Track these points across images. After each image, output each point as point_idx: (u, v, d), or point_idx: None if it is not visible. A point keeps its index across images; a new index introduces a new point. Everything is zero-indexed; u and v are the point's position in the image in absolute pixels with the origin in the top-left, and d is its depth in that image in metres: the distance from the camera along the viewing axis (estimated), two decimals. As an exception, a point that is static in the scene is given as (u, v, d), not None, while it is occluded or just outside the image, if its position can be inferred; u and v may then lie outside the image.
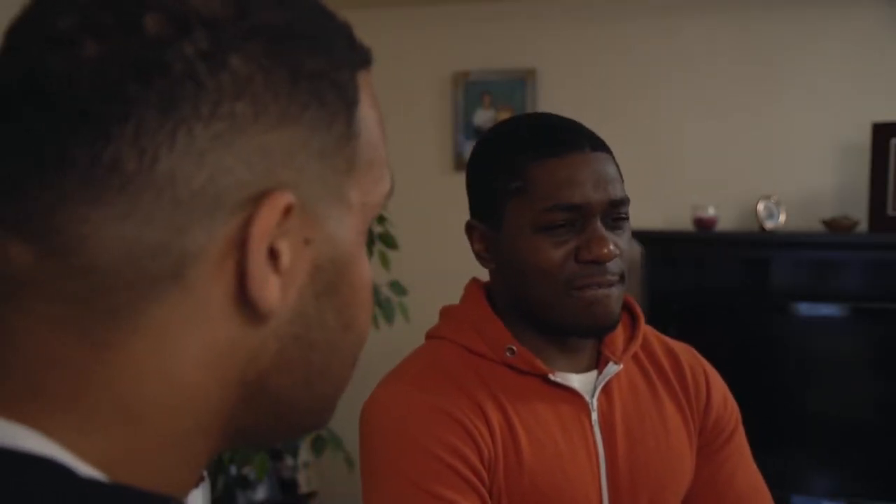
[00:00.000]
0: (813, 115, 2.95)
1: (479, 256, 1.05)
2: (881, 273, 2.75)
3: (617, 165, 1.00)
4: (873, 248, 2.74)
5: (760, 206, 2.84)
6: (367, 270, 0.46)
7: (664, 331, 1.18)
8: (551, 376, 1.00)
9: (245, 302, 0.39)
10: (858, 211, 2.84)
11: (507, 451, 0.97)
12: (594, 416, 1.02)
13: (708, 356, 1.15)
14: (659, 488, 1.03)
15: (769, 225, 2.83)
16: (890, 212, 2.70)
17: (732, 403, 1.13)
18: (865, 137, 2.80)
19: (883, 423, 2.66)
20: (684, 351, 1.13)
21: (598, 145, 0.99)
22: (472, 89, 3.25)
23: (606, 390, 1.04)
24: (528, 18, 3.19)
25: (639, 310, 1.10)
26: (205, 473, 0.45)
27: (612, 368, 1.04)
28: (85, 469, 0.36)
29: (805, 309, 2.74)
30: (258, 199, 0.39)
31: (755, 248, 2.87)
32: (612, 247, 0.96)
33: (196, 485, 0.43)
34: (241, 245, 0.39)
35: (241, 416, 0.42)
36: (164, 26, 0.37)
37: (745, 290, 2.88)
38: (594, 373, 1.05)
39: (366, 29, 0.46)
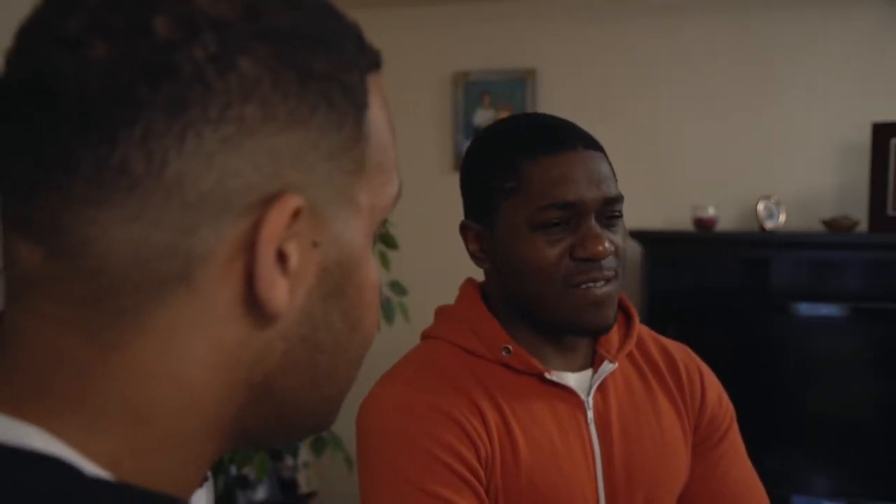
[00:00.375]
0: (813, 115, 2.95)
1: (474, 256, 1.05)
2: (881, 273, 2.75)
3: (610, 164, 1.01)
4: (873, 248, 2.74)
5: (760, 206, 2.84)
6: (374, 272, 0.46)
7: (664, 331, 1.18)
8: (547, 375, 1.01)
9: (253, 304, 0.39)
10: (858, 211, 2.84)
11: (504, 449, 0.97)
12: (590, 414, 1.02)
13: (708, 356, 1.16)
14: (654, 486, 1.04)
15: (769, 225, 2.83)
16: (890, 212, 2.70)
17: (727, 401, 1.13)
18: (865, 137, 2.80)
19: (883, 423, 2.66)
20: (679, 350, 1.14)
21: (591, 144, 1.00)
22: (472, 89, 3.25)
23: (602, 389, 1.04)
24: (528, 18, 3.19)
25: (633, 309, 1.11)
26: (209, 473, 0.45)
27: (607, 367, 1.04)
28: (91, 468, 0.36)
29: (805, 309, 2.74)
30: (267, 201, 0.39)
31: (755, 248, 2.87)
32: (606, 244, 0.96)
33: (200, 484, 0.43)
34: (249, 247, 0.39)
35: (246, 417, 0.42)
36: (172, 29, 0.37)
37: (745, 290, 2.87)
38: (589, 371, 1.05)
39: (366, 29, 0.46)
